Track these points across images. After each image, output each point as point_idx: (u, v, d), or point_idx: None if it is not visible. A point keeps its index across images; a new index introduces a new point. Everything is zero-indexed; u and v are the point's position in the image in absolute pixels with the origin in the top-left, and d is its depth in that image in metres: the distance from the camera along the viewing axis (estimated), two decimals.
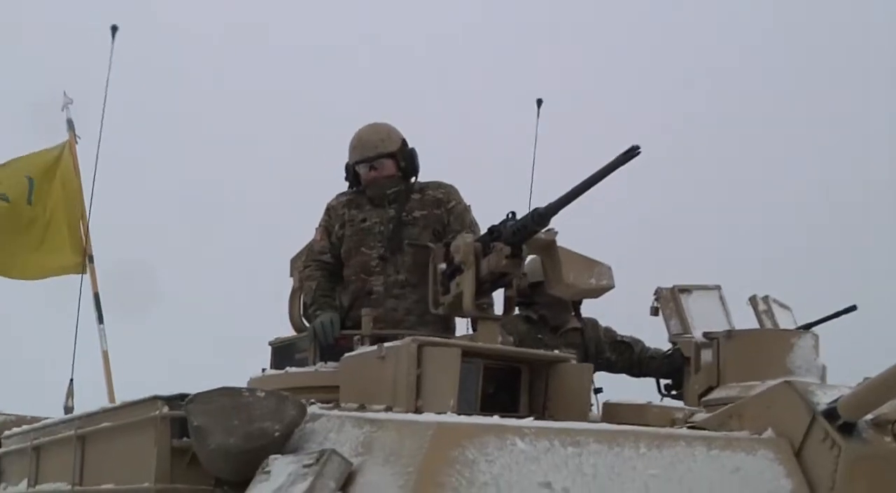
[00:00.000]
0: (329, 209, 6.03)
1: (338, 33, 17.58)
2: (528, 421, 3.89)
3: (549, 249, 4.90)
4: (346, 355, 4.93)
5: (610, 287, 4.96)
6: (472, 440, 3.62)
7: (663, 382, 6.66)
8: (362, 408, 4.45)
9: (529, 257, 5.00)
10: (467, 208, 5.93)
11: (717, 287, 6.55)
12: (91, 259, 9.05)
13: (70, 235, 9.17)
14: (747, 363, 5.46)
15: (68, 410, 7.73)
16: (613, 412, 4.58)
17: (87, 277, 9.03)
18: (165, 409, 4.63)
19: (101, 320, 8.83)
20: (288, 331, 6.31)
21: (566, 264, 4.89)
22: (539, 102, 8.97)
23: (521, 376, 4.68)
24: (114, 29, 8.85)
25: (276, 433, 4.26)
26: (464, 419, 3.84)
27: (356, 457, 3.90)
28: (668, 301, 6.37)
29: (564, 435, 3.68)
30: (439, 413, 4.04)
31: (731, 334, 5.64)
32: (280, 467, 4.05)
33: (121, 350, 8.77)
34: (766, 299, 6.61)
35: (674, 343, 6.26)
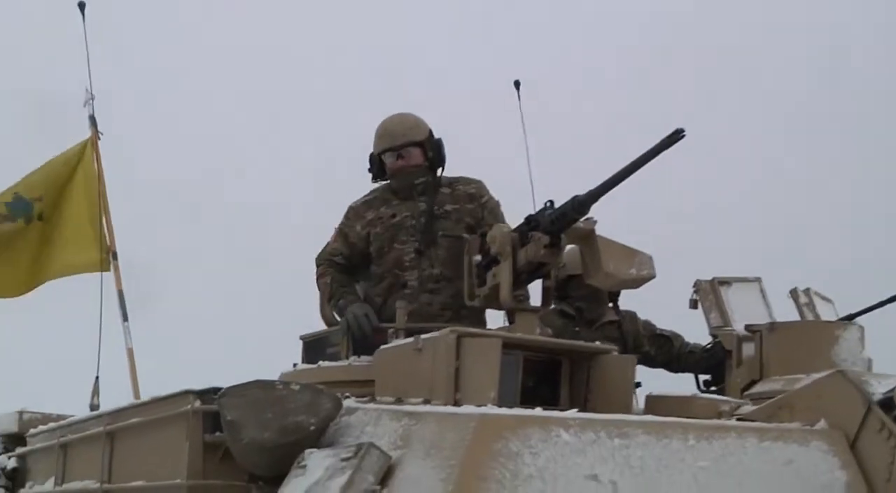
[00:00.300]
0: (350, 211, 5.91)
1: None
2: (573, 413, 3.80)
3: (589, 238, 4.80)
4: (382, 347, 4.84)
5: (651, 277, 4.85)
6: (516, 431, 3.53)
7: (702, 377, 6.54)
8: (399, 401, 4.36)
9: (567, 248, 4.89)
10: (498, 203, 5.83)
11: (758, 279, 6.41)
12: (115, 256, 8.95)
13: (92, 233, 9.08)
14: (791, 356, 5.36)
15: (94, 407, 7.64)
16: (657, 405, 4.47)
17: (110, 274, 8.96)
18: (197, 403, 4.56)
19: (125, 317, 8.73)
20: (311, 327, 6.19)
21: (606, 254, 4.78)
22: (517, 83, 8.84)
23: (562, 368, 4.58)
24: (81, 6, 8.74)
25: (312, 427, 4.17)
26: (507, 410, 3.74)
27: (395, 450, 3.81)
28: (708, 294, 6.23)
29: (611, 427, 3.59)
30: (479, 406, 3.94)
31: (773, 326, 5.54)
32: (316, 461, 3.96)
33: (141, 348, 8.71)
34: (807, 291, 6.47)
35: (714, 336, 6.14)
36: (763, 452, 3.61)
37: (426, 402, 4.23)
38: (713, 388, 6.46)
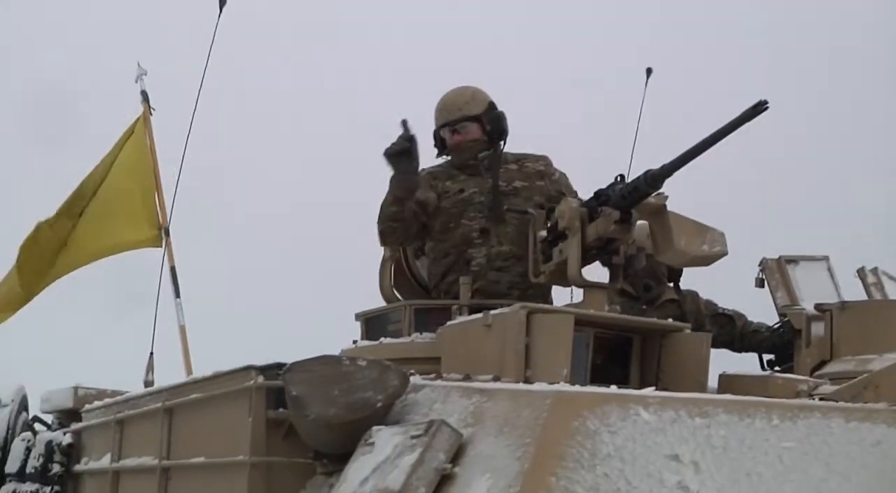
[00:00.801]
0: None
1: None
2: (650, 391, 3.72)
3: (660, 213, 4.69)
4: (448, 323, 4.77)
5: (723, 254, 4.73)
6: (594, 409, 3.45)
7: (766, 357, 6.43)
8: (467, 378, 4.29)
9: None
10: (565, 176, 5.69)
11: (825, 258, 6.31)
12: (167, 232, 8.88)
13: (144, 208, 9.03)
14: (863, 336, 5.28)
15: (148, 383, 7.61)
16: (731, 385, 4.37)
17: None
18: (260, 379, 4.50)
19: (177, 294, 8.65)
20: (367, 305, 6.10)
21: (677, 230, 4.67)
22: (649, 71, 8.76)
23: (632, 346, 4.49)
24: (221, 2, 8.68)
25: (378, 404, 4.10)
26: (583, 388, 3.66)
27: (466, 428, 3.74)
28: (774, 272, 6.14)
29: (691, 405, 3.50)
30: (551, 383, 3.86)
31: (845, 305, 5.45)
32: (384, 438, 3.90)
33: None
34: (875, 270, 6.38)
35: (783, 315, 6.03)
36: (850, 432, 3.50)
37: (496, 379, 4.16)
38: (777, 368, 6.35)
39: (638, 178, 4.50)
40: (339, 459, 4.24)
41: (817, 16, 16.50)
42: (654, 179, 4.44)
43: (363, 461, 3.89)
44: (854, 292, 6.31)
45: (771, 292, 6.13)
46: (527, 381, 4.10)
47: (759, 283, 6.17)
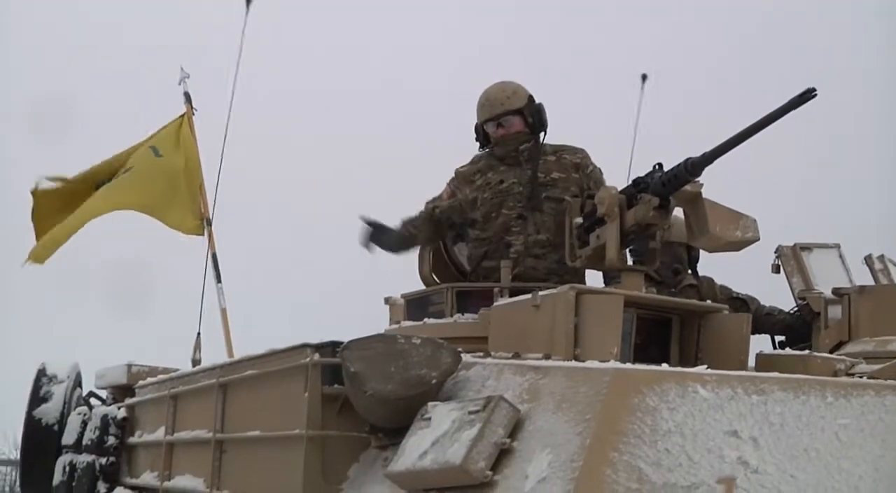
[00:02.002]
0: (458, 174, 5.55)
1: None
2: (703, 369, 3.47)
3: (695, 200, 4.44)
4: (495, 304, 4.53)
5: (756, 240, 4.49)
6: (652, 386, 3.21)
7: (778, 338, 6.18)
8: (517, 356, 4.05)
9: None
10: (601, 171, 5.46)
11: (837, 246, 6.07)
12: (209, 222, 8.73)
13: (191, 200, 8.87)
14: (881, 318, 5.03)
15: (196, 362, 7.41)
16: (770, 364, 4.11)
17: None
18: (316, 356, 4.26)
19: (219, 279, 8.52)
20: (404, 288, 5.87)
21: (712, 216, 4.43)
22: (644, 77, 8.45)
23: (672, 326, 4.25)
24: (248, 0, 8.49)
25: (433, 381, 3.88)
26: (641, 366, 3.42)
27: (522, 404, 3.51)
28: (790, 259, 5.90)
29: (748, 383, 3.26)
30: (603, 362, 3.61)
31: (863, 289, 5.21)
32: (441, 413, 3.66)
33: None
34: (881, 258, 6.13)
35: (802, 299, 5.78)
36: None
37: (546, 357, 3.92)
38: (788, 349, 6.11)
39: (678, 166, 4.26)
40: (393, 433, 4.01)
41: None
42: (695, 166, 4.19)
43: (421, 436, 3.65)
44: (861, 278, 6.07)
45: (787, 277, 5.89)
46: (576, 359, 3.85)
47: (775, 269, 5.93)
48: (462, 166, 5.56)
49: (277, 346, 4.66)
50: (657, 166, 4.44)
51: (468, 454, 3.37)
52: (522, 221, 5.27)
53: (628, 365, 3.46)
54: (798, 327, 5.86)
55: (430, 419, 3.69)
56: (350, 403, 4.15)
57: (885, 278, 6.00)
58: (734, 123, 4.17)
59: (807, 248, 5.96)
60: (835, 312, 5.38)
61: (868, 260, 6.12)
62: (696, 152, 4.24)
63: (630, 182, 4.53)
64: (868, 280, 5.92)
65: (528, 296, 4.18)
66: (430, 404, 3.77)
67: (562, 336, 3.92)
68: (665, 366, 3.57)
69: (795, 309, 5.86)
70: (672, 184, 4.28)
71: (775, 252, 5.97)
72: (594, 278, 5.35)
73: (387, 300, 5.91)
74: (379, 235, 5.59)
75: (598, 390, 3.23)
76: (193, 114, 9.06)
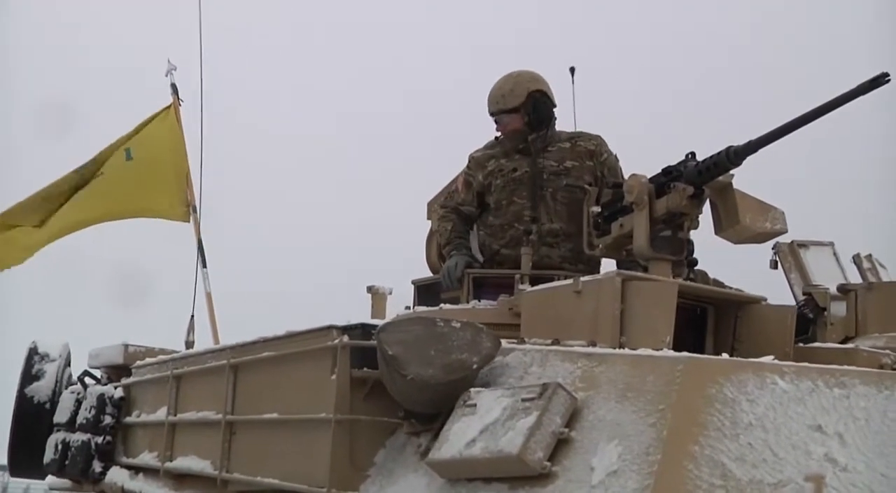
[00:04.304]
0: (472, 160, 5.15)
1: None
2: (771, 360, 3.05)
3: (725, 191, 4.04)
4: (529, 289, 4.09)
5: (783, 232, 4.11)
6: (729, 377, 2.78)
7: None
8: (556, 342, 3.60)
9: None
10: (617, 159, 5.04)
11: (831, 243, 5.76)
12: (194, 209, 8.29)
13: (176, 186, 8.38)
14: (889, 314, 4.67)
15: (189, 344, 6.90)
16: (811, 356, 3.71)
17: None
18: (345, 338, 3.77)
19: (203, 264, 8.09)
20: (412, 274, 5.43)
21: (742, 207, 4.03)
22: (572, 69, 7.97)
23: (708, 316, 3.83)
24: None
25: (475, 366, 3.42)
26: (710, 356, 2.99)
27: (577, 392, 3.06)
28: (787, 256, 5.57)
29: (827, 376, 2.86)
30: (656, 350, 3.18)
31: (871, 286, 4.86)
32: (488, 400, 3.21)
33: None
34: (869, 257, 5.83)
35: (807, 294, 5.42)
36: None
37: (592, 344, 3.47)
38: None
39: (719, 154, 3.84)
40: (427, 419, 3.55)
41: None
42: (737, 155, 3.78)
43: (466, 423, 3.20)
44: (850, 276, 5.74)
45: (785, 273, 5.57)
46: (621, 347, 3.42)
47: (773, 264, 5.61)
48: (476, 151, 5.14)
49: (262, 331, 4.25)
50: (690, 155, 4.03)
51: (526, 444, 2.93)
52: (535, 211, 4.86)
53: (699, 355, 3.03)
54: (799, 323, 5.49)
55: (474, 405, 3.24)
56: (378, 387, 3.69)
57: (872, 276, 5.70)
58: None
59: (803, 245, 5.65)
60: (836, 308, 5.04)
61: (856, 259, 5.84)
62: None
63: (660, 170, 4.12)
64: (856, 278, 5.61)
65: (568, 281, 3.75)
66: (473, 390, 3.33)
67: (607, 323, 3.49)
68: (724, 356, 3.15)
69: (802, 304, 5.49)
70: (710, 172, 3.88)
71: (773, 249, 5.65)
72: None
73: (369, 289, 5.47)
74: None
75: (670, 379, 2.81)
76: (180, 105, 8.61)
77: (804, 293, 5.43)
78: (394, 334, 3.47)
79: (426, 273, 5.33)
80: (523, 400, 3.06)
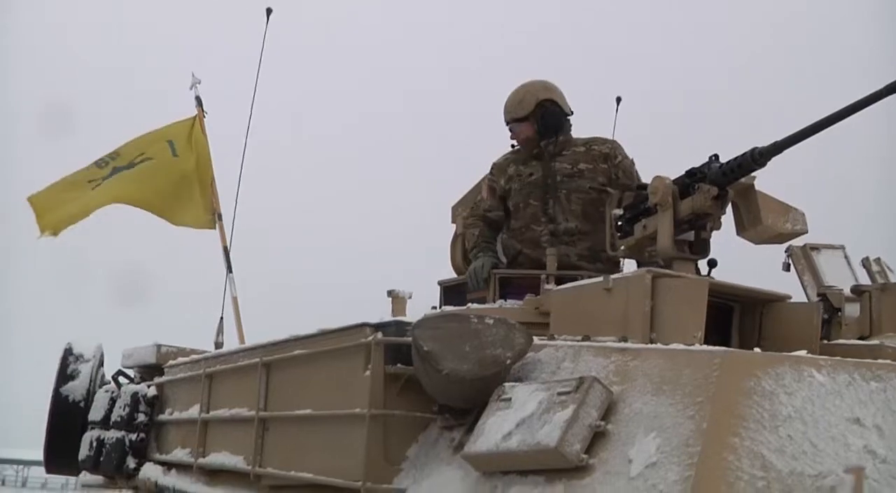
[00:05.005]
0: (494, 167, 5.12)
1: None
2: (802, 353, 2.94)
3: (748, 192, 3.97)
4: (557, 288, 3.98)
5: (804, 232, 4.04)
6: (767, 370, 2.67)
7: None
8: (587, 338, 3.48)
9: None
10: (632, 162, 4.96)
11: (842, 247, 5.64)
12: (220, 217, 8.19)
13: (202, 196, 8.29)
14: None
15: (218, 345, 6.80)
16: (836, 353, 3.58)
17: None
18: (379, 335, 3.67)
19: (230, 269, 7.97)
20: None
21: (764, 208, 3.94)
22: (618, 99, 7.88)
23: (734, 313, 3.72)
24: (268, 11, 7.90)
25: (508, 361, 3.31)
26: (745, 351, 2.88)
27: (612, 386, 2.94)
28: (800, 258, 5.45)
29: (863, 369, 2.75)
30: (688, 345, 3.07)
31: (885, 286, 4.74)
32: (524, 394, 3.10)
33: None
34: (878, 260, 5.71)
35: (822, 295, 5.30)
36: None
37: (623, 340, 3.36)
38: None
39: (744, 155, 3.74)
40: (460, 413, 3.44)
41: None
42: (762, 155, 3.68)
43: (501, 417, 3.09)
44: (859, 278, 5.62)
45: (798, 275, 5.45)
46: (651, 343, 3.31)
47: (786, 267, 5.48)
48: (498, 158, 5.08)
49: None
50: (713, 157, 3.93)
51: (563, 437, 2.81)
52: (551, 212, 4.80)
53: (733, 349, 2.92)
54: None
55: (509, 399, 3.13)
56: (411, 383, 3.58)
57: (882, 278, 5.58)
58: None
59: (815, 248, 5.53)
60: (850, 309, 4.91)
61: (865, 262, 5.73)
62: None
63: (684, 172, 4.01)
64: (865, 280, 5.49)
65: (598, 279, 3.64)
66: (508, 384, 3.22)
67: (638, 320, 3.38)
68: (757, 350, 3.04)
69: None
70: (735, 173, 3.78)
71: (786, 252, 5.53)
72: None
73: (390, 293, 5.35)
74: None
75: (708, 372, 2.69)
76: (204, 117, 8.54)
77: (818, 294, 5.30)
78: (429, 331, 3.36)
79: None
80: (559, 394, 2.95)
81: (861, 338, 4.73)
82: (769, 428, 2.57)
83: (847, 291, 4.99)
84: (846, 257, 5.58)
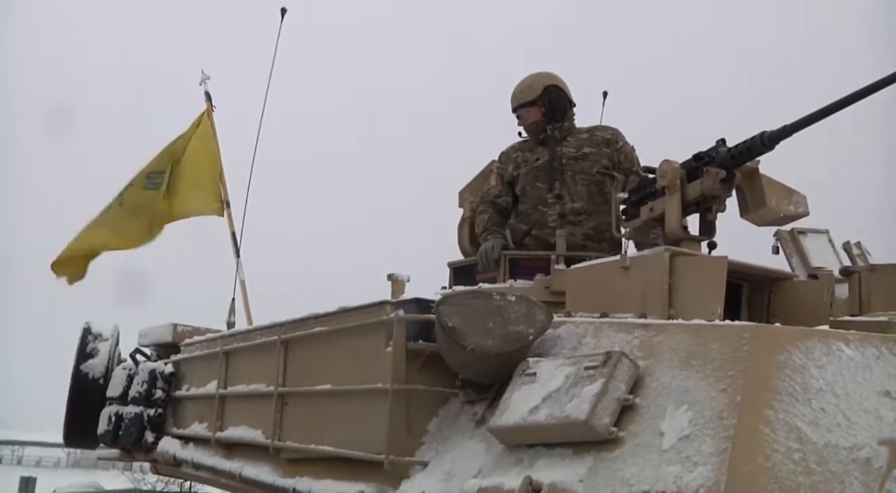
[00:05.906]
0: (502, 155, 4.97)
1: None
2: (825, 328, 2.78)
3: (752, 175, 3.79)
4: (574, 267, 3.81)
5: (805, 215, 3.86)
6: (796, 344, 2.50)
7: None
8: (605, 315, 3.31)
9: None
10: (633, 149, 4.79)
11: (826, 231, 5.46)
12: (228, 204, 7.97)
13: (211, 184, 8.07)
14: (891, 293, 4.39)
15: (230, 324, 6.58)
16: (847, 328, 3.43)
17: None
18: (401, 312, 3.48)
19: (237, 254, 7.74)
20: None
21: (768, 191, 3.77)
22: (605, 94, 7.70)
23: (743, 291, 3.55)
24: (283, 11, 7.66)
25: (531, 337, 3.13)
26: (773, 325, 2.71)
27: (637, 361, 2.76)
28: (788, 242, 5.28)
29: (891, 343, 2.58)
30: (709, 321, 2.90)
31: (874, 268, 4.56)
32: (548, 369, 2.92)
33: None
34: (858, 244, 5.55)
35: (814, 276, 5.14)
36: None
37: (643, 316, 3.19)
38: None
39: (753, 138, 3.58)
40: (482, 388, 3.27)
41: None
42: (771, 139, 3.52)
43: (527, 391, 2.92)
44: (842, 260, 5.47)
45: (787, 258, 5.26)
46: (670, 319, 3.14)
47: (775, 250, 5.29)
48: (507, 147, 4.91)
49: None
50: (720, 142, 3.77)
51: (593, 410, 2.64)
52: (556, 194, 4.62)
53: (758, 323, 2.75)
54: None
55: (534, 374, 2.96)
56: (433, 358, 3.40)
57: (862, 261, 5.42)
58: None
59: (802, 232, 5.35)
60: (839, 290, 4.76)
61: (847, 246, 5.55)
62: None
63: (691, 156, 3.84)
64: (846, 263, 5.34)
65: (615, 257, 3.46)
66: (532, 359, 3.04)
67: (656, 297, 3.22)
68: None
69: None
70: (744, 156, 3.61)
71: (774, 235, 5.34)
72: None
73: (390, 276, 5.16)
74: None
75: (737, 346, 2.53)
76: (213, 111, 8.34)
77: (809, 276, 5.14)
78: (453, 307, 3.19)
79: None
80: (586, 368, 2.78)
81: (852, 315, 4.59)
82: (802, 401, 2.41)
83: (836, 272, 4.84)
84: (830, 240, 5.42)
